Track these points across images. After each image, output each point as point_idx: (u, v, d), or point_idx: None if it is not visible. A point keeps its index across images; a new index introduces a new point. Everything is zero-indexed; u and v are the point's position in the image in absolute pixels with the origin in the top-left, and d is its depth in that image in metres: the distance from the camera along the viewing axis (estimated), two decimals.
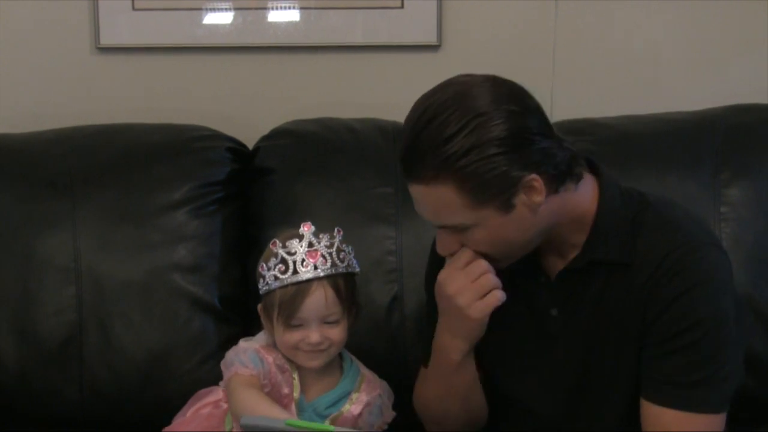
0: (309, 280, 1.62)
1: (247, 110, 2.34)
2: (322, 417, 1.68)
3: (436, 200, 1.49)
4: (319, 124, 2.18)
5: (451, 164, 1.44)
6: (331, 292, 1.63)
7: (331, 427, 1.47)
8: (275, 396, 1.66)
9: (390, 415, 1.77)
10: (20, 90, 2.33)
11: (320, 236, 1.66)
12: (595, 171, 1.60)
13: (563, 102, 2.34)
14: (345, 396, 1.71)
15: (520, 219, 1.49)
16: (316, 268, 1.62)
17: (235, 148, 2.17)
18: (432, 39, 2.32)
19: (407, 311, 2.01)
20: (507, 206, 1.48)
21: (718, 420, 1.53)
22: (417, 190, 1.51)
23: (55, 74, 2.33)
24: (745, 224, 2.03)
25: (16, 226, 2.04)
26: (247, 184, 2.14)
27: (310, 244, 1.64)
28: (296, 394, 1.68)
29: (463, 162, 1.44)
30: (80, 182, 2.06)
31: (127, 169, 2.08)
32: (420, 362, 1.77)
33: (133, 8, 2.29)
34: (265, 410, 1.57)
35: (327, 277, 1.63)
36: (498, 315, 1.61)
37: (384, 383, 1.78)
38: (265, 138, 2.19)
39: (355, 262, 1.70)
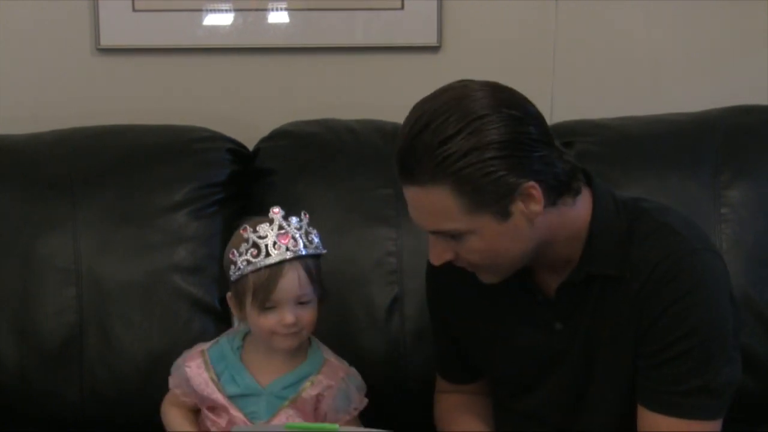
0: (281, 262, 1.64)
1: (248, 111, 2.34)
2: (281, 398, 1.70)
3: (432, 204, 1.46)
4: (320, 126, 2.18)
5: (449, 166, 1.41)
6: (303, 273, 1.65)
7: (336, 426, 1.47)
8: (205, 396, 1.73)
9: (360, 401, 1.75)
10: (20, 90, 2.33)
11: (289, 219, 1.67)
12: (589, 183, 1.57)
13: (563, 103, 2.34)
14: (304, 378, 1.71)
15: (516, 229, 1.47)
16: (287, 249, 1.64)
17: (236, 149, 2.17)
18: (432, 40, 2.32)
19: (407, 312, 2.01)
20: (504, 213, 1.45)
21: (714, 425, 1.52)
22: (412, 193, 1.48)
23: (55, 75, 2.33)
24: (745, 225, 2.02)
25: (17, 227, 2.03)
26: (248, 186, 2.14)
27: (281, 227, 1.65)
28: (219, 390, 1.71)
29: (460, 164, 1.41)
30: (80, 183, 2.06)
31: (128, 171, 2.08)
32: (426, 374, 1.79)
33: (134, 9, 2.29)
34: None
35: (298, 258, 1.65)
36: (507, 339, 1.62)
37: (352, 370, 1.77)
38: (266, 139, 2.19)
39: (321, 244, 1.70)
